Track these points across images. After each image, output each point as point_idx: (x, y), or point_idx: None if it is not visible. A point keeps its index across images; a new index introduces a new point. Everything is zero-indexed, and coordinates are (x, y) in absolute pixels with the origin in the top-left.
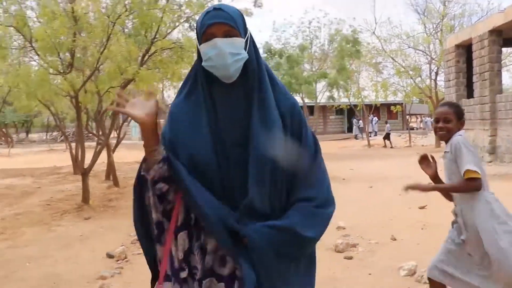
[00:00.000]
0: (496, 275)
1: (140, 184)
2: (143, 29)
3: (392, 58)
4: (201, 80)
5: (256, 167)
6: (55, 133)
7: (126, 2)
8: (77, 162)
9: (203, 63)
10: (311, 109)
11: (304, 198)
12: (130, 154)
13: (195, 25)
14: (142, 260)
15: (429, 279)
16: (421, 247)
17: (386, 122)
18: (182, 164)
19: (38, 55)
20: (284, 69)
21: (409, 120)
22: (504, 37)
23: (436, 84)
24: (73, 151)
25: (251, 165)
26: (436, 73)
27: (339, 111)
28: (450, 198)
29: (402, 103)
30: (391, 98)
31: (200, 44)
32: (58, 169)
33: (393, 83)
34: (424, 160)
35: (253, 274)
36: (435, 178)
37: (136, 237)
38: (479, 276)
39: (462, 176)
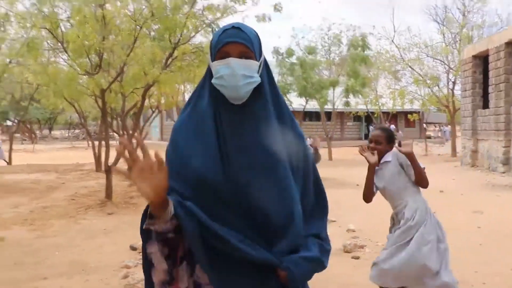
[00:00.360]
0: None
1: (144, 237)
2: (167, 34)
3: (410, 67)
4: (208, 97)
5: (284, 194)
6: (77, 131)
7: (153, 7)
8: (99, 160)
9: (213, 80)
10: (328, 115)
11: (316, 235)
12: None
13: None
14: None
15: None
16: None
17: (398, 130)
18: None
19: (68, 56)
20: (298, 74)
21: (426, 128)
22: None
23: (453, 93)
24: (96, 149)
25: (279, 192)
26: (454, 83)
27: (357, 117)
28: (369, 199)
29: (419, 112)
30: (408, 106)
31: (213, 60)
32: (80, 166)
33: (411, 91)
34: (364, 151)
35: None
36: (374, 167)
37: None
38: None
39: (409, 179)
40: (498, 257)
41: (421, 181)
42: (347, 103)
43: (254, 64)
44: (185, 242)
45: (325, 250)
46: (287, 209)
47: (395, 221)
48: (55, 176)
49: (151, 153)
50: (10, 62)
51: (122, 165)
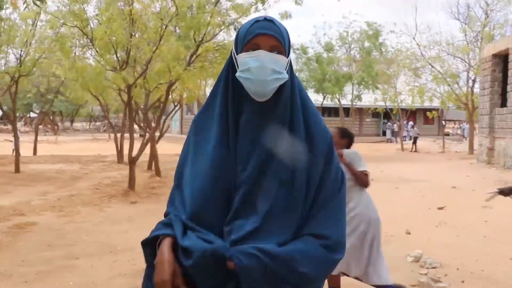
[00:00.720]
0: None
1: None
2: (191, 32)
3: (431, 64)
4: (224, 93)
5: (286, 194)
6: (97, 123)
7: (178, 6)
8: (121, 151)
9: (238, 74)
10: (347, 111)
11: (316, 234)
12: (170, 147)
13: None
14: None
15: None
16: (431, 240)
17: (413, 127)
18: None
19: (97, 52)
20: (313, 68)
21: (444, 125)
22: None
23: (472, 91)
24: (118, 141)
25: (280, 192)
26: (474, 81)
27: (375, 114)
28: None
29: (438, 109)
30: (427, 104)
31: (239, 52)
32: (102, 157)
33: (430, 88)
34: None
35: None
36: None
37: None
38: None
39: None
40: (499, 248)
41: (359, 181)
42: (358, 96)
43: (284, 60)
44: None
45: (319, 253)
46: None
47: None
48: (79, 166)
49: None
50: (40, 57)
51: (141, 158)
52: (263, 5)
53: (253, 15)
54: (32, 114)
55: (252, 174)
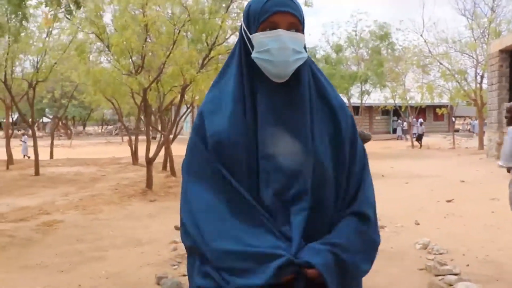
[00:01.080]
0: None
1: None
2: (203, 36)
3: (438, 61)
4: (238, 75)
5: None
6: (109, 127)
7: (190, 12)
8: (136, 153)
9: (255, 55)
10: (356, 109)
11: (361, 213)
12: (182, 148)
13: None
14: None
15: None
16: (439, 230)
17: (421, 124)
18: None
19: (113, 57)
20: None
21: (454, 122)
22: None
23: (481, 87)
24: (133, 144)
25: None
26: (482, 77)
27: (385, 112)
28: None
29: (447, 105)
30: (436, 100)
31: (253, 31)
32: (117, 159)
33: (438, 85)
34: None
35: None
36: None
37: None
38: None
39: None
40: (504, 236)
41: None
42: (366, 92)
43: (302, 38)
44: None
45: (371, 244)
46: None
47: None
48: (96, 169)
49: None
50: (55, 63)
51: (158, 159)
52: None
53: None
54: (45, 119)
55: (284, 162)
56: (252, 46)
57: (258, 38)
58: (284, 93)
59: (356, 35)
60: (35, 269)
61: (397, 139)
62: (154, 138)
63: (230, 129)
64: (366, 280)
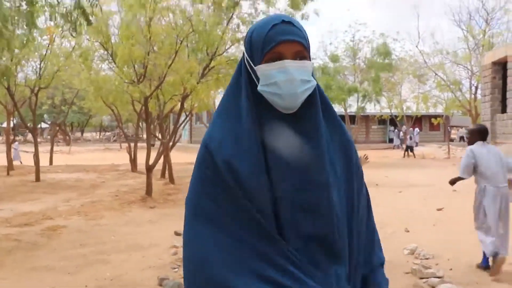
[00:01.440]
0: None
1: None
2: (204, 47)
3: (434, 72)
4: (246, 107)
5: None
6: (107, 133)
7: (193, 23)
8: (135, 161)
9: (261, 88)
10: (353, 118)
11: (381, 263)
12: (180, 155)
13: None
14: None
15: None
16: (427, 237)
17: (410, 138)
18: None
19: (117, 66)
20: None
21: (450, 132)
22: None
23: (475, 98)
24: (131, 151)
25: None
26: (476, 88)
27: (382, 121)
28: None
29: (442, 115)
30: (432, 110)
31: (257, 62)
32: (116, 166)
33: (434, 95)
34: None
35: None
36: None
37: None
38: None
39: None
40: None
41: None
42: (362, 108)
43: (310, 66)
44: None
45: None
46: (341, 229)
47: None
48: (95, 175)
49: None
50: (58, 70)
51: (157, 166)
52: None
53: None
54: (43, 125)
55: (292, 188)
56: (257, 77)
57: (263, 70)
58: (293, 123)
59: (354, 45)
60: (42, 271)
61: (393, 148)
62: (153, 145)
63: (248, 168)
64: None
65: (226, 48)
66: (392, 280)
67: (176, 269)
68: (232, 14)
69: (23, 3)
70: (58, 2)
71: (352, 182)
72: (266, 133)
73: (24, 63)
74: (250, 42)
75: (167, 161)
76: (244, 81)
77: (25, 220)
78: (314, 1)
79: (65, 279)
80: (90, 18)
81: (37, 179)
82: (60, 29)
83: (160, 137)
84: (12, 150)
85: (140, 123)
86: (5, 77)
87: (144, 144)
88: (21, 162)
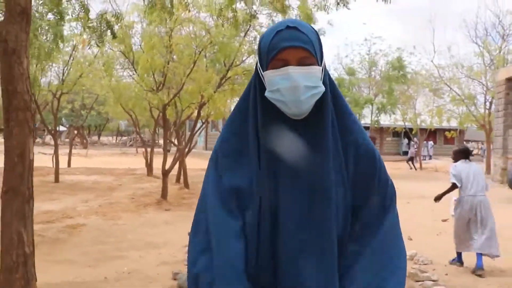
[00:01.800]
0: None
1: None
2: (222, 58)
3: (448, 86)
4: (253, 111)
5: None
6: (124, 138)
7: (212, 35)
8: (151, 165)
9: (268, 94)
10: (367, 129)
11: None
12: (195, 161)
13: None
14: None
15: None
16: (428, 245)
17: (415, 147)
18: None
19: (137, 74)
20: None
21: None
22: None
23: (490, 113)
24: (148, 156)
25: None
26: (491, 103)
27: (396, 133)
28: None
29: (456, 129)
30: (445, 124)
31: (264, 68)
32: (132, 170)
33: (448, 109)
34: None
35: None
36: None
37: None
38: None
39: None
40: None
41: None
42: (377, 122)
43: (317, 71)
44: None
45: None
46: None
47: None
48: (112, 178)
49: None
50: (81, 75)
51: (172, 171)
52: None
53: None
54: (61, 128)
55: (292, 198)
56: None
57: (269, 76)
58: (300, 129)
59: (370, 58)
60: (65, 264)
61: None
62: (168, 150)
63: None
64: None
65: (243, 59)
66: None
67: None
68: (250, 27)
69: (52, 15)
70: (88, 17)
71: (360, 197)
72: (272, 137)
73: (47, 68)
74: (259, 49)
75: (182, 166)
76: (253, 85)
77: (47, 218)
78: (328, 14)
79: (86, 271)
80: (115, 31)
81: (56, 180)
82: (87, 39)
83: (176, 143)
84: None
85: (157, 129)
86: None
87: (160, 150)
88: None
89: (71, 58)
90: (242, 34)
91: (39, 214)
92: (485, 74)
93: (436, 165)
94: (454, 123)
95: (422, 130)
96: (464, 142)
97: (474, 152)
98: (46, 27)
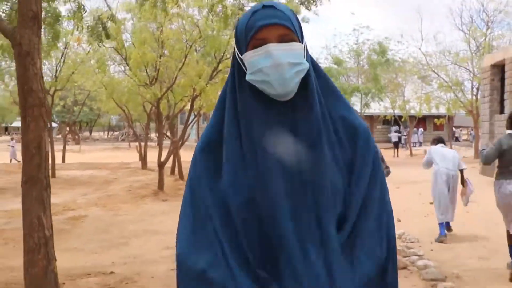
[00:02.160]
0: None
1: None
2: (212, 51)
3: (436, 73)
4: (233, 99)
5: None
6: (116, 133)
7: (202, 29)
8: (145, 158)
9: (248, 77)
10: None
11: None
12: (188, 154)
13: None
14: None
15: None
16: (415, 225)
17: (398, 131)
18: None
19: (130, 69)
20: None
21: (455, 132)
22: None
23: (477, 98)
24: (142, 149)
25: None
26: (477, 89)
27: (386, 121)
28: None
29: (444, 116)
30: (434, 111)
31: (243, 52)
32: (126, 164)
33: (437, 96)
34: None
35: None
36: None
37: None
38: None
39: None
40: (470, 231)
41: None
42: (366, 104)
43: (300, 48)
44: None
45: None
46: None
47: None
48: (107, 172)
49: None
50: (73, 72)
51: (168, 163)
52: None
53: None
54: (53, 124)
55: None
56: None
57: (248, 58)
58: (287, 112)
59: (358, 48)
60: (73, 252)
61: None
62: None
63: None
64: None
65: (233, 52)
66: None
67: None
68: (238, 20)
69: (48, 16)
70: (82, 17)
71: (360, 181)
72: (255, 126)
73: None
74: (236, 33)
75: (177, 158)
76: (232, 73)
77: None
78: (317, 7)
79: (93, 257)
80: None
81: (53, 175)
82: (82, 37)
83: (170, 136)
84: (10, 148)
85: (150, 123)
86: None
87: (152, 143)
88: (18, 161)
89: (63, 55)
90: (231, 28)
91: None
92: (472, 60)
93: (426, 151)
94: (443, 110)
95: (412, 117)
96: (454, 128)
97: (464, 138)
98: (43, 27)
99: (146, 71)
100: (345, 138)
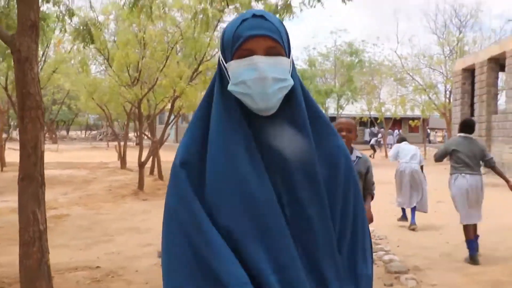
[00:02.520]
0: None
1: None
2: (193, 52)
3: (411, 76)
4: (219, 109)
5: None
6: (93, 132)
7: (183, 31)
8: (124, 158)
9: (230, 87)
10: (333, 120)
11: (365, 275)
12: (167, 154)
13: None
14: None
15: None
16: (385, 225)
17: (375, 134)
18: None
19: (113, 70)
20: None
21: (429, 134)
22: (502, 63)
23: (449, 101)
24: (121, 149)
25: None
26: (450, 92)
27: (362, 123)
28: None
29: (420, 118)
30: (409, 113)
31: (228, 60)
32: (105, 164)
33: (412, 99)
34: None
35: None
36: None
37: None
38: None
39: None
40: (437, 230)
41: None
42: (340, 107)
43: (286, 63)
44: None
45: None
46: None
47: None
48: (86, 172)
49: None
50: (54, 71)
51: (148, 163)
52: None
53: None
54: None
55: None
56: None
57: (233, 67)
58: (271, 126)
59: (336, 50)
60: (59, 248)
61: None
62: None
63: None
64: None
65: (213, 54)
66: None
67: None
68: (218, 22)
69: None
70: (71, 20)
71: (335, 198)
72: (237, 139)
73: None
74: (222, 39)
75: (156, 158)
76: (215, 82)
77: None
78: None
79: (79, 253)
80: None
81: None
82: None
83: (150, 136)
84: None
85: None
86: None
87: (130, 143)
88: None
89: (44, 55)
90: (211, 30)
91: None
92: (445, 63)
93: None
94: (418, 112)
95: (388, 119)
96: (428, 130)
97: (439, 139)
98: None
99: (128, 72)
100: (324, 154)
